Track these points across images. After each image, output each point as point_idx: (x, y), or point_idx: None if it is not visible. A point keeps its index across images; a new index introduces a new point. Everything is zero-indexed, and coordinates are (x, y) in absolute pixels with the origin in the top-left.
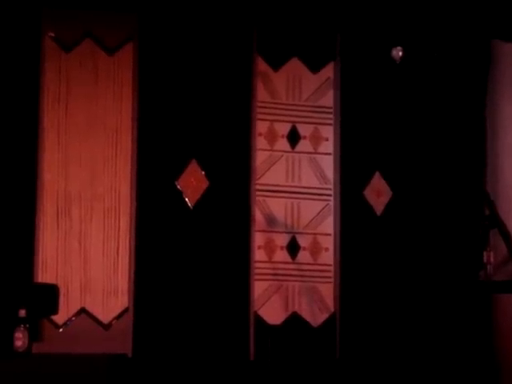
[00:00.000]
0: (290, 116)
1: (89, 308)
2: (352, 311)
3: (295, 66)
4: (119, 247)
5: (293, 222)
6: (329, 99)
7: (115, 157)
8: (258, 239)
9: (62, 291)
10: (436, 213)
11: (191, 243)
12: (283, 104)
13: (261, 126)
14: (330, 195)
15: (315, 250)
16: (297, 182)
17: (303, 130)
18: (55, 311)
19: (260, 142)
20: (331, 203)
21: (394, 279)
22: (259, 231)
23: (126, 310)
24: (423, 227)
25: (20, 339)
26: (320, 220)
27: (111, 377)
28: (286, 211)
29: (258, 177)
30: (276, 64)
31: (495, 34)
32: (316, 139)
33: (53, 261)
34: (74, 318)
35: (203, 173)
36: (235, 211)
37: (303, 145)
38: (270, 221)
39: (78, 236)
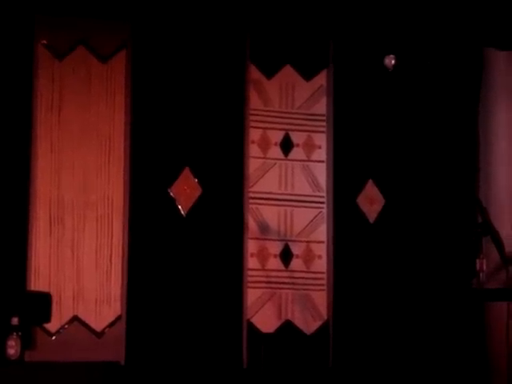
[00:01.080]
0: (283, 124)
1: (81, 316)
2: (345, 319)
3: (288, 73)
4: (112, 255)
5: (286, 230)
6: (322, 107)
7: (108, 164)
8: (251, 247)
9: (55, 299)
10: (429, 220)
11: (184, 251)
12: (276, 112)
13: (254, 134)
14: (323, 203)
15: (308, 257)
16: (290, 190)
17: (296, 137)
18: (48, 319)
19: (253, 150)
20: (324, 211)
21: (387, 286)
22: (252, 239)
23: (118, 318)
24: (416, 235)
25: (12, 347)
26: (313, 228)
27: None
28: (278, 219)
29: (250, 184)
30: (269, 72)
31: (488, 41)
32: (309, 147)
33: (45, 269)
34: (66, 326)
35: (196, 180)
36: (228, 219)
37: (296, 152)
38: (263, 228)
39: (71, 244)
